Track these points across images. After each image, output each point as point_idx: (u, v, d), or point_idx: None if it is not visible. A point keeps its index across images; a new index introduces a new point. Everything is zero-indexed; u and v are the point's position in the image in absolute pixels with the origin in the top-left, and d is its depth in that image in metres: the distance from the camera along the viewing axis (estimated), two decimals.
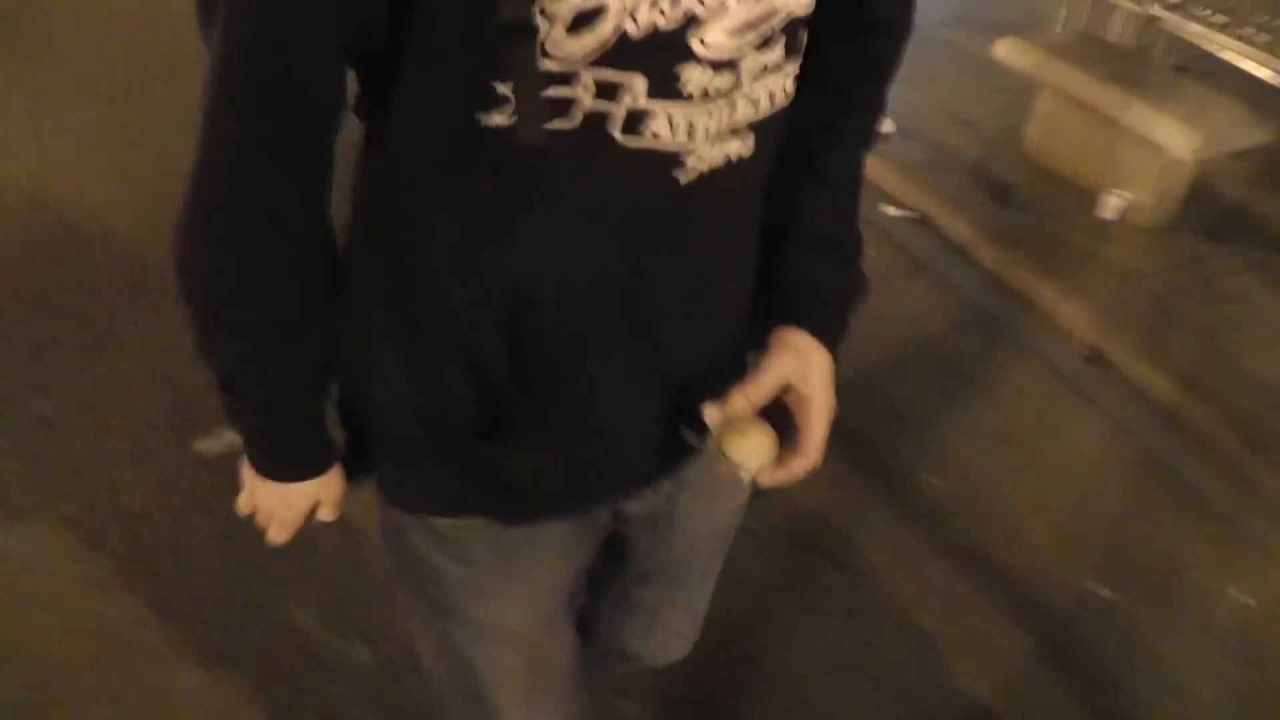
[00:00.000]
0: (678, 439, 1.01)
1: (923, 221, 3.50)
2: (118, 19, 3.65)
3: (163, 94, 3.29)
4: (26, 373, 2.47)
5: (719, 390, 0.96)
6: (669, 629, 1.40)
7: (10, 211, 2.96)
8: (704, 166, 0.86)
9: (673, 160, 0.84)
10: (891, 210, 3.49)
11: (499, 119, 0.78)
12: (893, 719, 2.03)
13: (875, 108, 1.07)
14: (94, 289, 2.70)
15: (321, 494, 1.05)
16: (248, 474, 1.04)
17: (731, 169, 0.88)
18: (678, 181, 0.85)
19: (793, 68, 0.90)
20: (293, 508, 1.05)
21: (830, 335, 1.01)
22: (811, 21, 0.90)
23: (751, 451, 0.94)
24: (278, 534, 1.08)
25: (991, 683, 2.12)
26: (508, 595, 1.11)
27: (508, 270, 0.87)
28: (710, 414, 0.95)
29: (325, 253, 0.93)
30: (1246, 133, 3.39)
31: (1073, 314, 3.12)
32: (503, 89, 0.77)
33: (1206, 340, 3.06)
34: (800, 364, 0.98)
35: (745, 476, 0.95)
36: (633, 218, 0.87)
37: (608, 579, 1.32)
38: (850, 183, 1.06)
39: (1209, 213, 3.60)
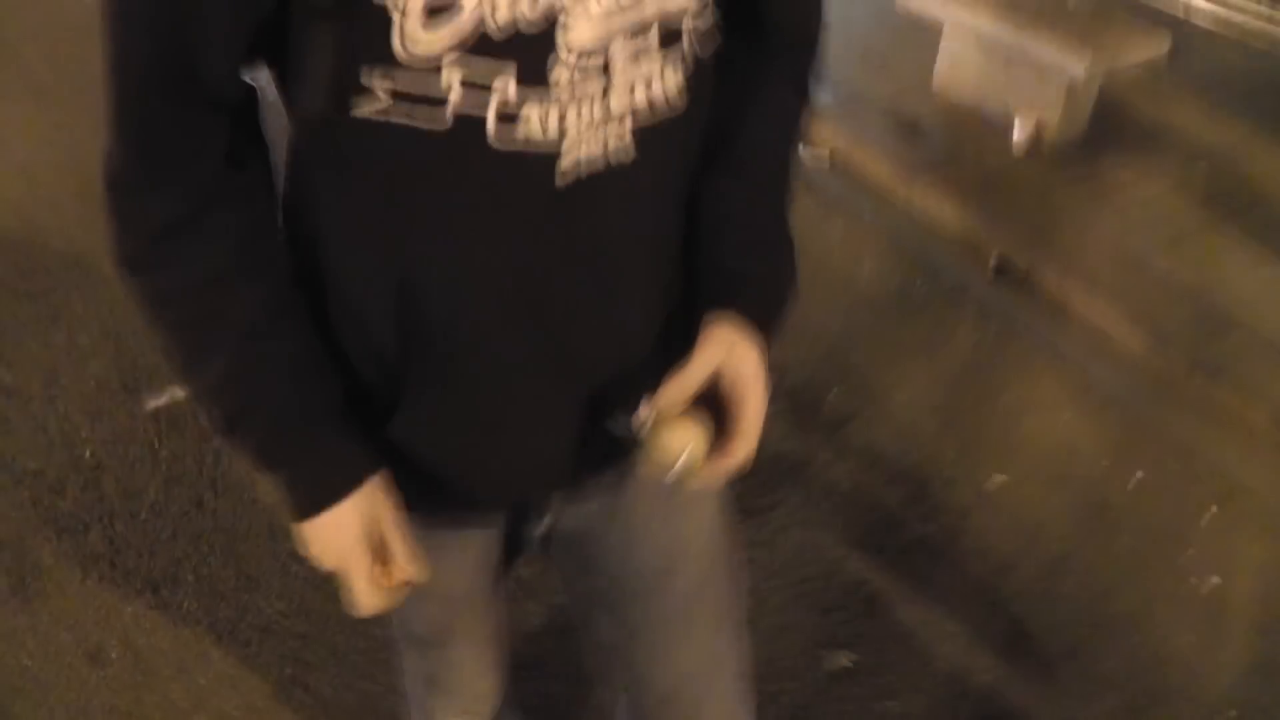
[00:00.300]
0: (596, 444, 1.00)
1: (837, 162, 3.67)
2: (70, 29, 3.87)
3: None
4: None
5: (636, 391, 0.94)
6: (710, 691, 1.24)
7: None
8: (581, 170, 0.86)
9: (547, 162, 0.84)
10: (806, 154, 3.64)
11: (367, 109, 0.80)
12: (792, 597, 2.22)
13: (793, 110, 1.04)
14: (48, 270, 2.91)
15: (368, 512, 0.95)
16: (298, 530, 0.97)
17: (613, 174, 0.88)
18: (554, 184, 0.85)
19: (673, 62, 0.88)
20: (344, 546, 0.95)
21: (760, 320, 0.97)
22: (710, 28, 0.92)
23: (676, 444, 0.91)
24: (362, 594, 0.97)
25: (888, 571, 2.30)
26: (440, 571, 1.11)
27: (395, 264, 0.88)
28: (642, 409, 0.92)
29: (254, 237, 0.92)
30: (1138, 47, 3.55)
31: (985, 235, 3.29)
32: (366, 79, 0.78)
33: (1115, 245, 3.23)
34: (729, 351, 0.94)
35: (670, 474, 0.91)
36: (513, 220, 0.87)
37: (597, 624, 1.25)
38: (772, 179, 1.03)
39: (1114, 127, 3.76)
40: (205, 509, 2.30)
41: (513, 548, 1.20)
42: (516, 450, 1.00)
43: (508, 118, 0.81)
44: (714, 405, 0.94)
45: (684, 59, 0.89)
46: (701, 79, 0.92)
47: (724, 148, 0.99)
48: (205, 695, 1.97)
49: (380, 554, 0.97)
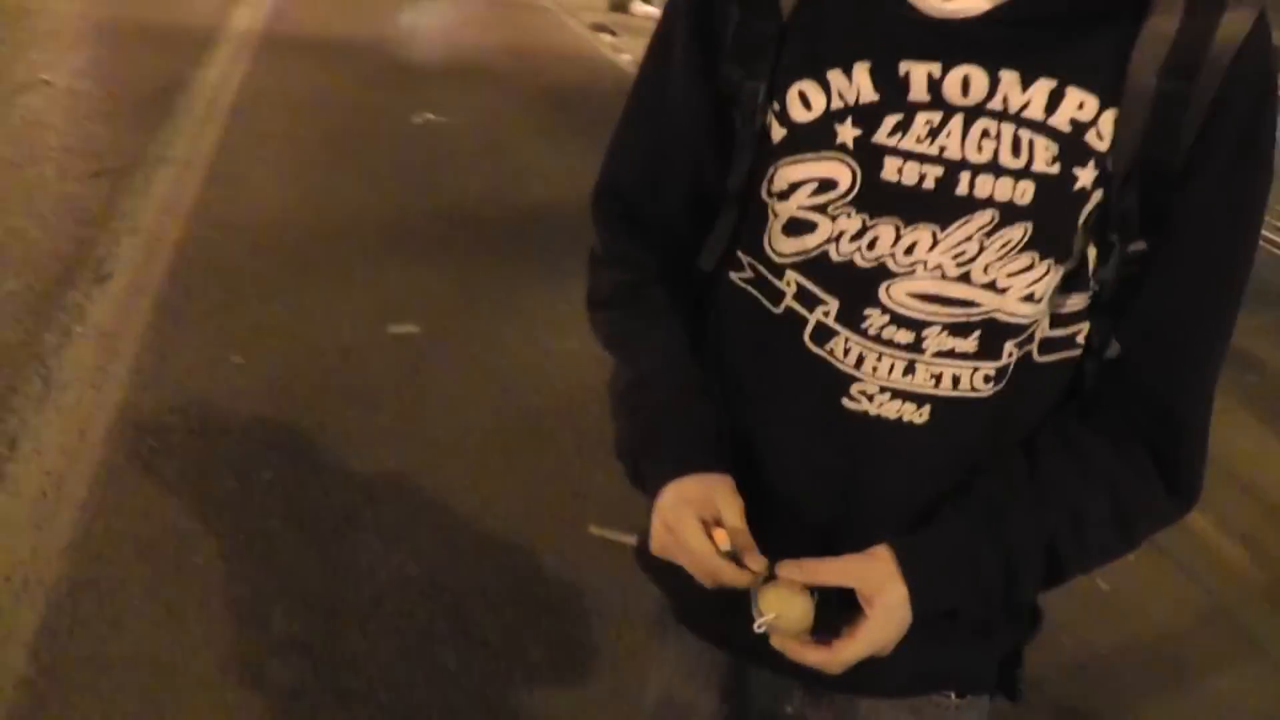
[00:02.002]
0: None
1: None
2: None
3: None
4: None
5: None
6: None
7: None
8: (872, 408, 0.94)
9: (844, 383, 0.94)
10: None
11: (736, 276, 1.01)
12: None
13: (1120, 477, 0.96)
14: None
15: (709, 493, 0.96)
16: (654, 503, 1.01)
17: (901, 428, 0.94)
18: (844, 406, 0.95)
19: (989, 368, 0.92)
20: (681, 522, 0.95)
21: (915, 576, 0.93)
22: (1033, 340, 0.93)
23: (778, 603, 0.92)
24: (701, 570, 0.95)
25: None
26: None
27: (727, 390, 1.04)
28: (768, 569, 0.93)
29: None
30: None
31: None
32: (742, 256, 1.00)
33: None
34: (870, 573, 0.93)
35: (765, 628, 0.92)
36: (804, 417, 0.98)
37: None
38: (1048, 518, 0.95)
39: None
40: None
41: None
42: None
43: (823, 330, 0.94)
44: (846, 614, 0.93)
45: (1002, 357, 0.92)
46: (1027, 374, 0.94)
47: (1026, 461, 0.96)
48: None
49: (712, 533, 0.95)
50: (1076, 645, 2.55)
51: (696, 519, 0.94)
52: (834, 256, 0.92)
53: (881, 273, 0.91)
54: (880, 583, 0.92)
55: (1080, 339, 0.95)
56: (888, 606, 0.92)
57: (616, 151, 1.10)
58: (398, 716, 2.10)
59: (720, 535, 0.93)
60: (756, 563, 0.92)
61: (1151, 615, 2.82)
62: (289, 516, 2.60)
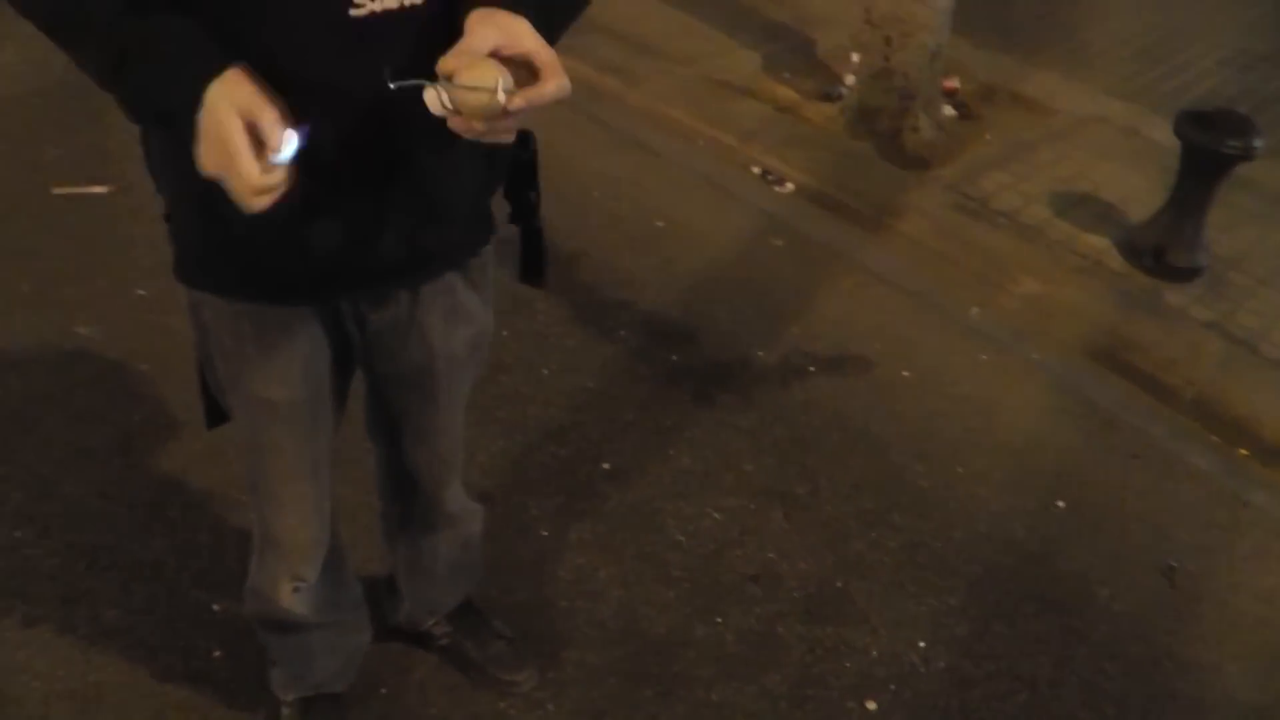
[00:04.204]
0: (402, 256, 1.24)
1: None
2: None
3: None
4: None
5: (429, 209, 1.20)
6: (433, 446, 1.62)
7: None
8: (377, 7, 1.05)
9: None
10: None
11: None
12: None
13: None
14: None
15: (237, 92, 0.99)
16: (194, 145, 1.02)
17: (404, 13, 1.06)
18: (349, 15, 1.04)
19: None
20: (225, 129, 0.97)
21: (526, 8, 1.03)
22: None
23: (490, 76, 0.95)
24: (248, 178, 0.98)
25: None
26: (268, 370, 1.35)
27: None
28: (438, 68, 0.97)
29: None
30: None
31: None
32: None
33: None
34: (500, 28, 1.00)
35: (493, 98, 0.95)
36: (313, 44, 1.05)
37: (370, 388, 1.57)
38: None
39: None
40: None
41: (339, 371, 1.43)
42: (326, 254, 1.20)
43: None
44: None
45: None
46: None
47: None
48: None
49: (256, 141, 0.98)
50: None
51: (247, 137, 0.96)
52: None
53: None
54: (510, 25, 1.00)
55: None
56: (529, 29, 1.01)
57: None
58: None
59: (270, 148, 0.96)
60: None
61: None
62: None
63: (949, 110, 4.04)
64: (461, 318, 1.44)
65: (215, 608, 2.06)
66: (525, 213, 1.42)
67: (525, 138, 1.35)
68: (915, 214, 3.52)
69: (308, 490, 1.50)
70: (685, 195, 3.58)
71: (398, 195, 1.19)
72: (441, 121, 0.99)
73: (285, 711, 1.85)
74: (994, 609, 2.26)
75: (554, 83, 1.00)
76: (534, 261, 1.47)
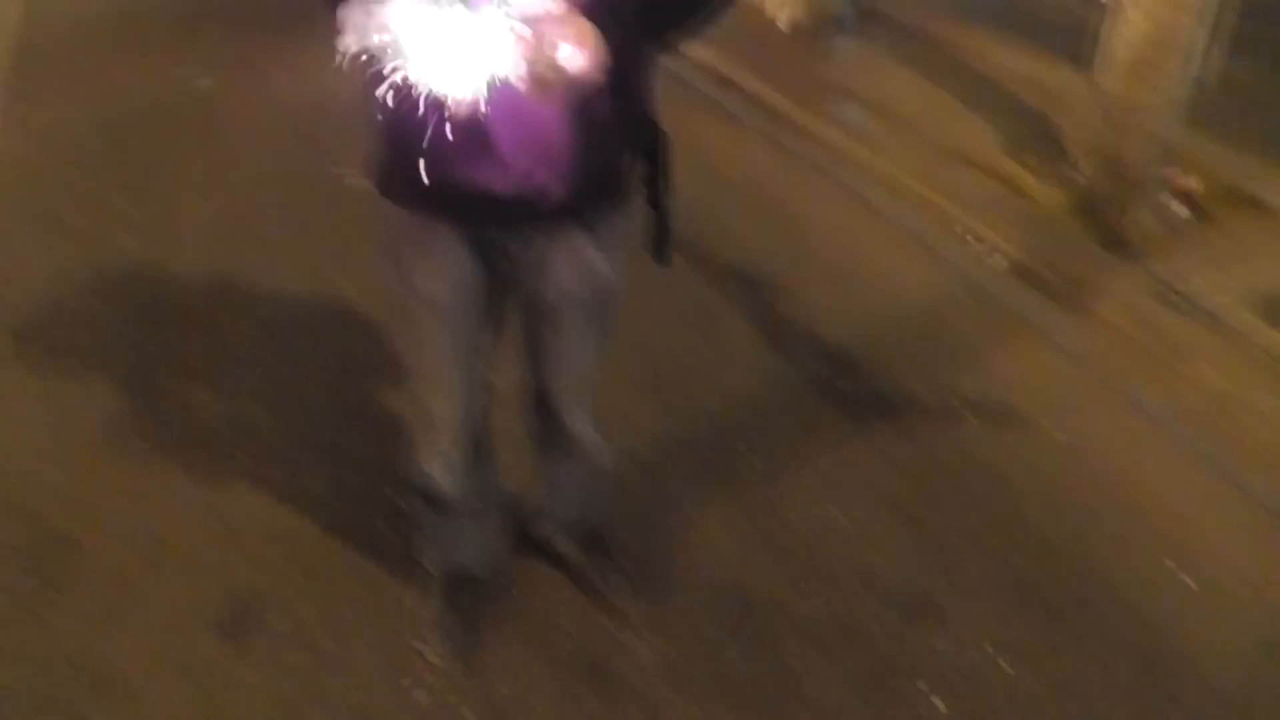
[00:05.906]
0: (537, 207, 1.60)
1: None
2: None
3: None
4: None
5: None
6: (560, 374, 1.93)
7: None
8: None
9: None
10: None
11: None
12: None
13: None
14: None
15: None
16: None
17: None
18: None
19: None
20: None
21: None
22: None
23: (572, 33, 1.31)
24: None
25: None
26: (427, 272, 1.73)
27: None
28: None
29: None
30: None
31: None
32: None
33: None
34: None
35: (573, 56, 1.31)
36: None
37: (517, 314, 1.88)
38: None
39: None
40: None
41: (492, 290, 1.78)
42: (473, 196, 1.56)
43: None
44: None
45: None
46: None
47: None
48: None
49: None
50: None
51: None
52: None
53: None
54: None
55: None
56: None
57: None
58: None
59: None
60: None
61: None
62: None
63: (1181, 209, 4.04)
64: (586, 271, 1.75)
65: (386, 490, 2.54)
66: (655, 198, 1.77)
67: (655, 134, 1.71)
68: (1114, 299, 3.58)
69: (455, 376, 1.85)
70: (894, 249, 3.81)
71: (533, 148, 1.53)
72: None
73: (434, 584, 2.25)
74: (1091, 657, 2.35)
75: (585, 51, 1.31)
76: (659, 240, 1.82)
